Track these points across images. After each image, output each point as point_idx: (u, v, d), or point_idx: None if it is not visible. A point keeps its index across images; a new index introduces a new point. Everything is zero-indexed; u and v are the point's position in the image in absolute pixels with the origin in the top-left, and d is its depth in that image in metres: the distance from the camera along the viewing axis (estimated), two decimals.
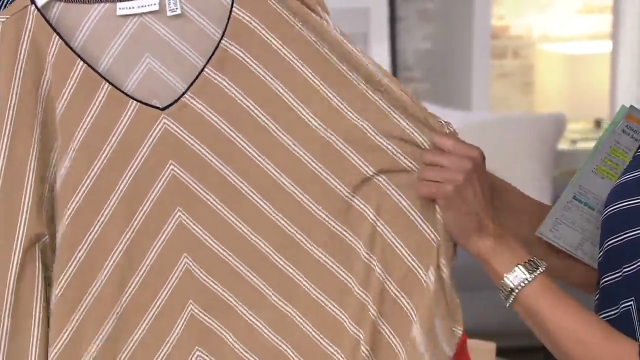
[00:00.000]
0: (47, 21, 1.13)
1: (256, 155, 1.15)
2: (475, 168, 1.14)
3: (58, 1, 1.14)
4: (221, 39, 1.14)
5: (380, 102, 1.16)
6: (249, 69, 1.15)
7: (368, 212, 1.18)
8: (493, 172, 1.25)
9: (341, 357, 1.19)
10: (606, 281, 1.18)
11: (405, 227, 1.18)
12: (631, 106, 1.29)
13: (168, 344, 1.19)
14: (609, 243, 1.18)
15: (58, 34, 1.13)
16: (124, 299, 1.17)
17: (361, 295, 1.18)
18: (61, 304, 1.16)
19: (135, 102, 1.14)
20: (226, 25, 1.14)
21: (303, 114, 1.16)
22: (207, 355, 1.19)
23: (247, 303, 1.18)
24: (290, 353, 1.19)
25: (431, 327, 1.18)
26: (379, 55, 4.01)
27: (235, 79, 1.14)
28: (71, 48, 1.13)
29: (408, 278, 1.18)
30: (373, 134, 1.16)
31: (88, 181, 1.15)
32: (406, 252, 1.18)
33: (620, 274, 1.15)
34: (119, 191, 1.15)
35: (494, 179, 1.26)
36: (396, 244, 1.18)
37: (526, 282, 1.12)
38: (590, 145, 2.61)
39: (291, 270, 1.18)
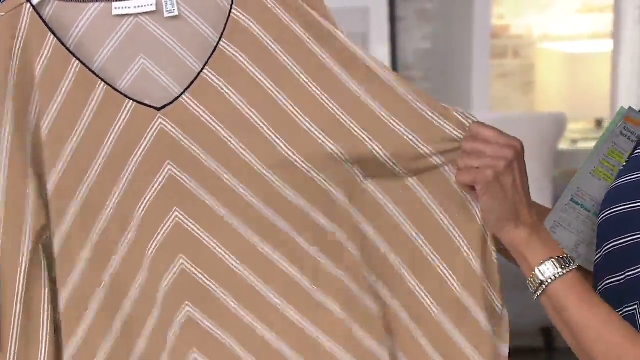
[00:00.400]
0: (42, 19, 1.13)
1: (252, 158, 1.15)
2: (516, 157, 1.14)
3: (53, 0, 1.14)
4: (219, 40, 1.14)
5: (381, 108, 1.15)
6: (246, 71, 1.14)
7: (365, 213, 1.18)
8: None
9: (343, 357, 1.19)
10: (607, 284, 1.18)
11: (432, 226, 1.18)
12: (629, 108, 1.29)
13: (165, 347, 1.19)
14: (610, 246, 1.17)
15: (53, 32, 1.13)
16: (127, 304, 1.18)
17: (360, 294, 1.18)
18: (65, 314, 1.17)
19: (131, 101, 1.14)
20: (224, 27, 1.14)
21: (299, 118, 1.15)
22: (202, 357, 1.19)
23: (244, 302, 1.18)
24: (289, 353, 1.19)
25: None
26: (379, 55, 4.01)
27: (232, 81, 1.14)
28: (66, 47, 1.13)
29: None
30: (365, 137, 1.15)
31: (88, 182, 1.15)
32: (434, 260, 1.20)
33: (622, 277, 1.15)
34: (117, 191, 1.15)
35: None
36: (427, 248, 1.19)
37: (557, 276, 1.11)
38: (591, 145, 2.60)
39: (290, 269, 1.18)
